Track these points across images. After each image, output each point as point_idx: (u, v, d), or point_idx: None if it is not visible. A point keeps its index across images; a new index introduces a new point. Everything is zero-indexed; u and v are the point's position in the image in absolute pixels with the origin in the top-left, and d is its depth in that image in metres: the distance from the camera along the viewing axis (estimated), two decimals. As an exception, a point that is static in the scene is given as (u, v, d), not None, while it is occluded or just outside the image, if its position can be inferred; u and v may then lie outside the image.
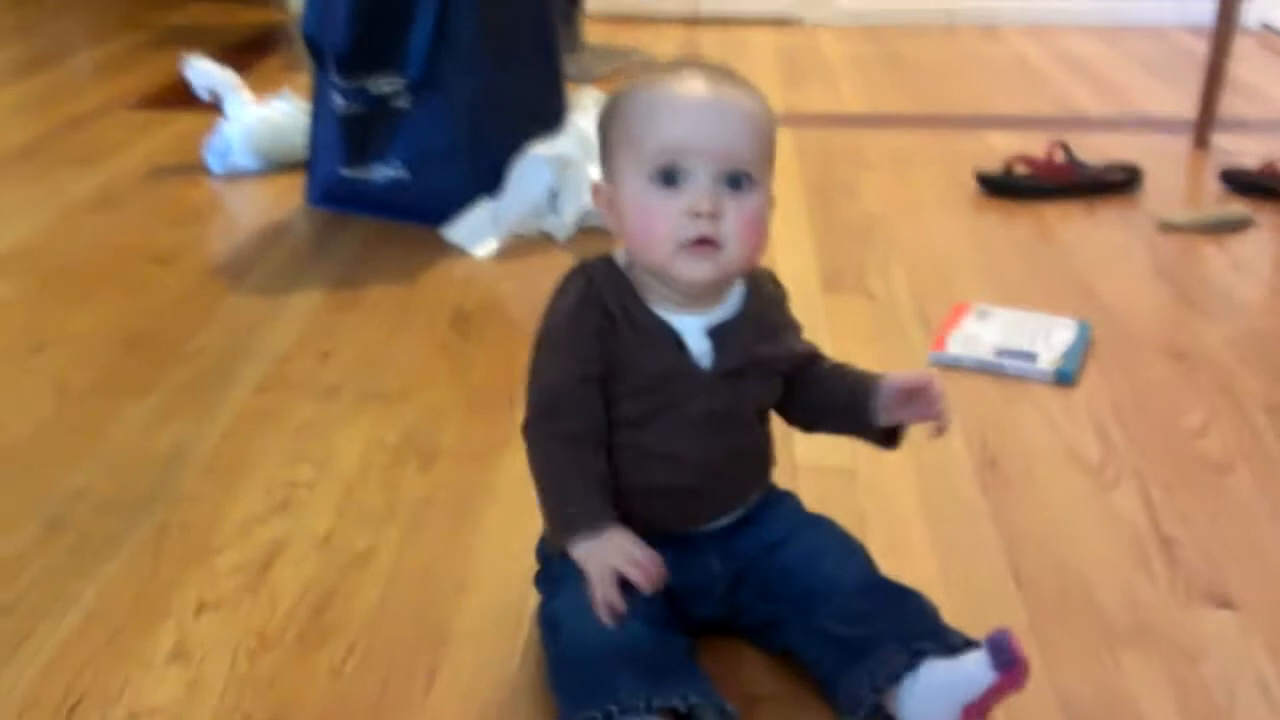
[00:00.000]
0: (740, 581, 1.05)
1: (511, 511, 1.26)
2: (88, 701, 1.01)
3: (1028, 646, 1.05)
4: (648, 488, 1.02)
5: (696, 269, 0.97)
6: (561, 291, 1.02)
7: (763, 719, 0.99)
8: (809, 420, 1.12)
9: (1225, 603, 1.13)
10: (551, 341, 1.01)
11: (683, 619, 1.01)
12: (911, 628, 0.95)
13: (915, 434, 1.09)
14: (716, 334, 1.01)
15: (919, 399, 1.04)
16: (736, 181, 0.96)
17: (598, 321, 0.99)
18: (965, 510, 1.27)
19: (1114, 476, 1.33)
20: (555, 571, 1.04)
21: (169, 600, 1.14)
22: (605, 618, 0.94)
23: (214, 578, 1.17)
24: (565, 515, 0.99)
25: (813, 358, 1.09)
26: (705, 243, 0.96)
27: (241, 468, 1.35)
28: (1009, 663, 0.89)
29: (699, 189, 0.95)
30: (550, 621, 1.00)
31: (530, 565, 1.13)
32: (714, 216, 0.95)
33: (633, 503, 1.02)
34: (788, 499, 1.12)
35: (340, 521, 1.26)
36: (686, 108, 0.96)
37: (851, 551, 1.05)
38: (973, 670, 0.91)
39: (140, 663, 1.06)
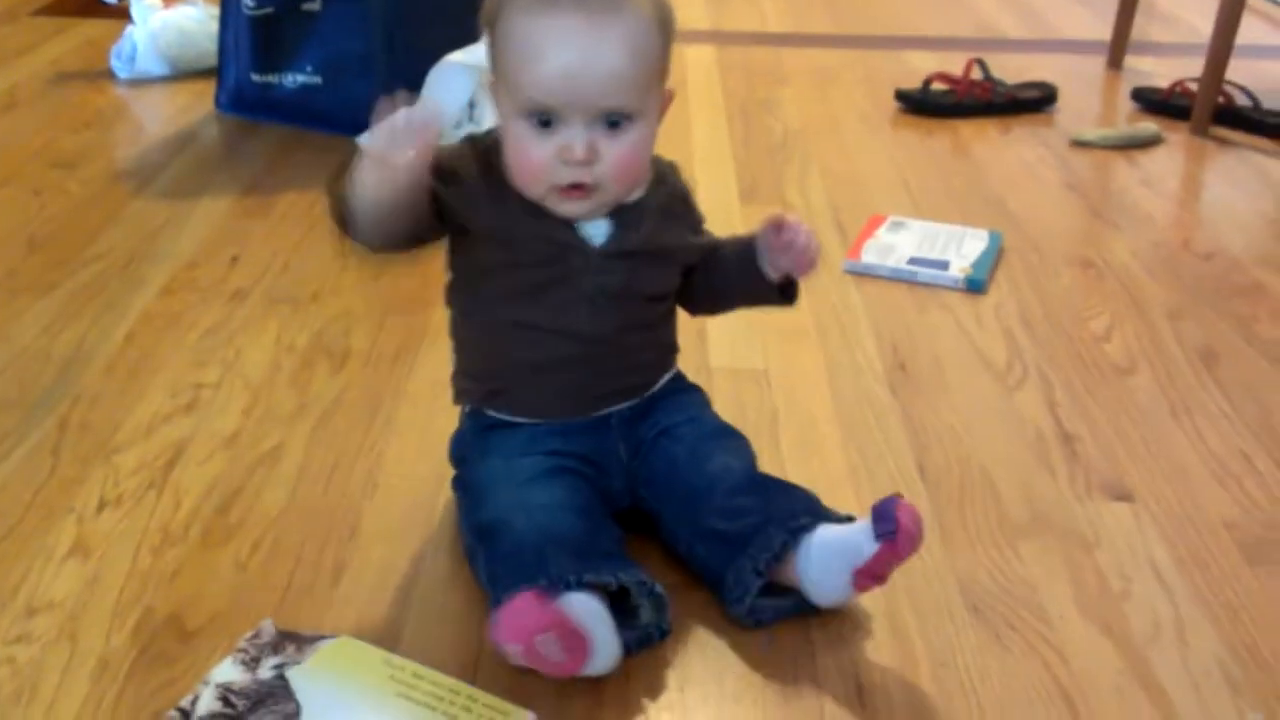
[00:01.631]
0: (638, 466, 1.06)
1: (422, 412, 1.26)
2: (-17, 595, 1.00)
3: (930, 536, 1.08)
4: (545, 361, 1.02)
5: (571, 208, 0.97)
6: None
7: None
8: (713, 303, 1.12)
9: (1123, 495, 1.15)
10: None
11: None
12: (791, 509, 0.97)
13: (825, 336, 1.09)
14: (617, 215, 1.00)
15: (785, 236, 1.02)
16: (614, 121, 0.94)
17: (479, 171, 0.97)
18: (875, 410, 1.28)
19: (1019, 378, 1.35)
20: (474, 477, 1.04)
21: (69, 497, 1.12)
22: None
23: (116, 475, 1.15)
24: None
25: (714, 248, 1.09)
26: (579, 187, 0.95)
27: (146, 369, 1.33)
28: (890, 532, 0.90)
29: (572, 133, 0.93)
30: (482, 529, 0.99)
31: (440, 464, 1.13)
32: (588, 163, 0.94)
33: (535, 380, 1.03)
34: (693, 391, 1.12)
35: (247, 421, 1.24)
36: (559, 52, 0.91)
37: (737, 452, 1.06)
38: (859, 537, 0.93)
39: (39, 558, 1.04)
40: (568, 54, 0.91)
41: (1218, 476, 1.19)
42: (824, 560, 0.94)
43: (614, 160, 0.95)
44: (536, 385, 1.04)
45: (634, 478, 1.06)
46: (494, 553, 0.97)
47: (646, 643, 0.95)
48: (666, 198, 1.04)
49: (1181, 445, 1.24)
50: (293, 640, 0.93)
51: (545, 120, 0.93)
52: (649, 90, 0.96)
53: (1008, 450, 1.22)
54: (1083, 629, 0.99)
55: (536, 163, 0.95)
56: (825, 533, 0.95)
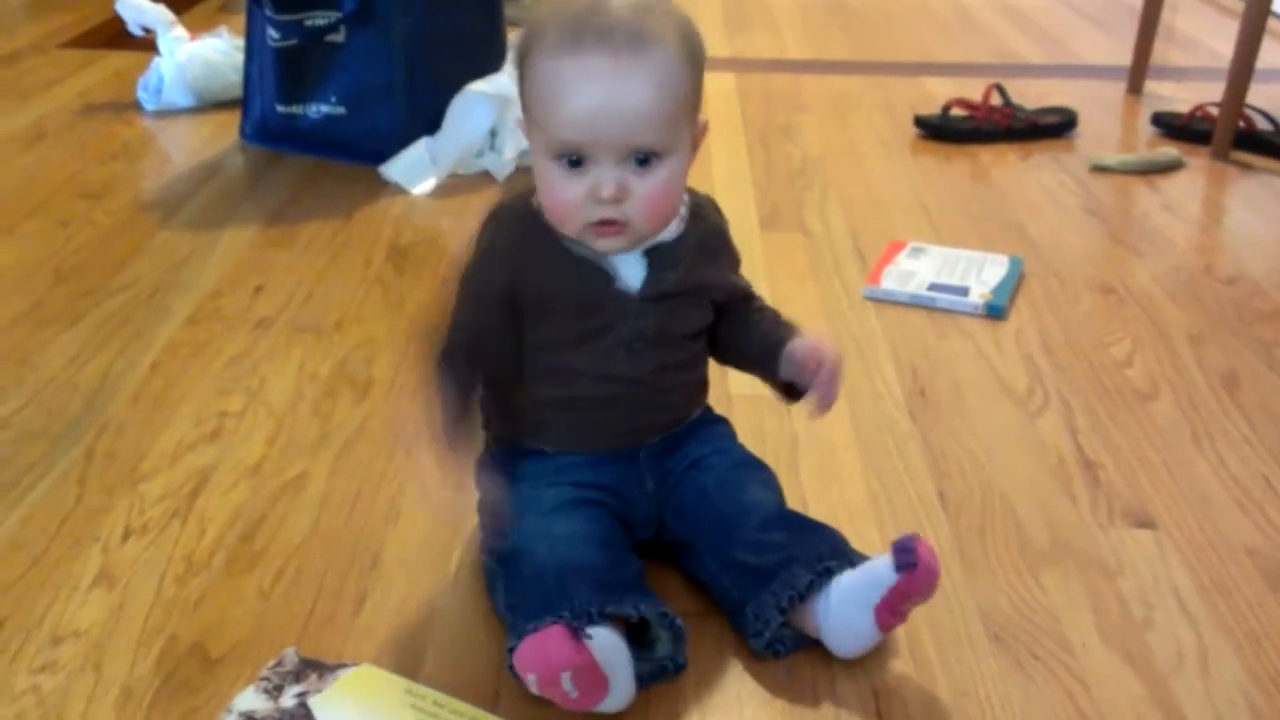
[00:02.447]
0: (665, 496, 1.06)
1: (444, 440, 1.26)
2: (9, 625, 1.00)
3: (951, 564, 1.08)
4: (578, 402, 1.03)
5: (606, 244, 0.98)
6: (478, 238, 1.03)
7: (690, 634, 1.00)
8: (724, 356, 1.13)
9: (1145, 522, 1.15)
10: (462, 289, 1.03)
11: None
12: (819, 551, 0.97)
13: (844, 363, 1.09)
14: (653, 256, 1.01)
15: (813, 371, 1.03)
16: (644, 159, 0.95)
17: (502, 278, 1.00)
18: (895, 436, 1.28)
19: (1040, 404, 1.35)
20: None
21: (95, 526, 1.13)
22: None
23: (141, 504, 1.16)
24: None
25: (747, 296, 1.10)
26: (611, 223, 0.96)
27: (171, 398, 1.34)
28: (911, 564, 0.90)
29: (602, 173, 0.94)
30: (504, 556, 1.00)
31: (461, 493, 1.13)
32: (618, 201, 0.94)
33: (566, 418, 1.04)
34: (721, 424, 1.13)
35: (271, 450, 1.25)
36: (585, 92, 0.92)
37: (767, 484, 1.06)
38: (878, 572, 0.93)
39: (64, 587, 1.05)
40: (594, 94, 0.92)
41: (1240, 503, 1.18)
42: (841, 606, 0.94)
43: (644, 198, 0.95)
44: (568, 423, 1.04)
45: (661, 507, 1.06)
46: (514, 580, 0.97)
47: (661, 676, 0.95)
48: (703, 234, 1.05)
49: (1204, 471, 1.23)
50: (315, 668, 0.94)
51: (575, 160, 0.94)
52: (678, 126, 0.96)
53: (1029, 477, 1.22)
54: (1105, 658, 0.98)
55: (569, 203, 0.96)
56: (841, 579, 0.95)
